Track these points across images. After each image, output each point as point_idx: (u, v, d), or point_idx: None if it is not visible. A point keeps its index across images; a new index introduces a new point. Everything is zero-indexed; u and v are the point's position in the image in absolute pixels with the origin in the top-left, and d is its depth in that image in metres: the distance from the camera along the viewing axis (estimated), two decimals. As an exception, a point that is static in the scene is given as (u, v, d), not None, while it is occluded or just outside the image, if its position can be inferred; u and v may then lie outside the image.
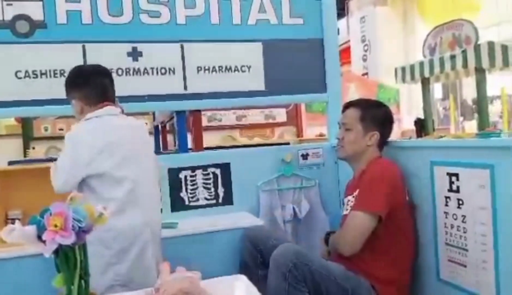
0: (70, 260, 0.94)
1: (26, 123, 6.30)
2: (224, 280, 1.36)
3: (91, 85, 1.76)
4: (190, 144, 3.24)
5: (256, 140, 7.29)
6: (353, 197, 1.89)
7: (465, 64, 4.60)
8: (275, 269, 1.68)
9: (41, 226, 0.93)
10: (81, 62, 2.22)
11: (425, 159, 1.88)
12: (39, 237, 0.94)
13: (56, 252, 0.94)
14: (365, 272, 1.80)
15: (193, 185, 2.42)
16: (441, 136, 2.81)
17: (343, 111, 2.09)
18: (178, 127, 2.83)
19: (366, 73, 8.69)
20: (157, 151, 5.44)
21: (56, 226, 0.91)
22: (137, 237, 1.68)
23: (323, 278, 1.71)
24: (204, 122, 6.86)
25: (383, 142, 2.01)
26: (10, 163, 3.26)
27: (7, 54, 2.15)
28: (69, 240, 0.91)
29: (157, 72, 2.36)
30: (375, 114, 1.99)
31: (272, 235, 2.08)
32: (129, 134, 1.78)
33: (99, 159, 1.65)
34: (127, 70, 2.31)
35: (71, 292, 0.95)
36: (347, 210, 1.92)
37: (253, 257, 2.02)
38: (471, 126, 6.91)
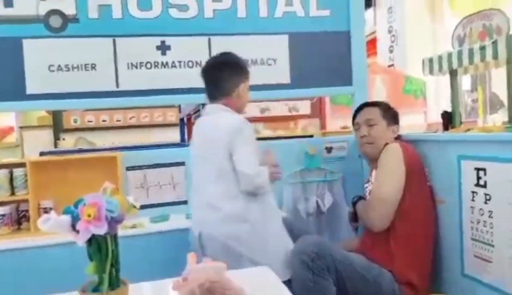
0: (103, 249, 0.97)
1: (56, 115, 6.46)
2: (248, 271, 1.39)
3: (205, 80, 1.92)
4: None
5: (280, 132, 7.28)
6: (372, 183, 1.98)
7: (495, 56, 4.48)
8: (297, 260, 1.70)
9: (75, 215, 0.96)
10: (111, 56, 2.29)
11: (452, 153, 1.87)
12: (73, 226, 0.97)
13: (89, 241, 0.97)
14: (386, 262, 1.82)
15: (218, 176, 2.45)
16: (469, 130, 2.75)
17: (357, 112, 2.17)
18: (204, 119, 2.88)
19: (393, 65, 8.54)
20: (182, 143, 5.52)
21: (89, 215, 0.94)
22: (192, 237, 1.83)
23: (346, 268, 1.73)
24: (229, 114, 6.89)
25: (397, 137, 2.11)
26: (42, 154, 3.37)
27: (41, 48, 2.21)
28: (101, 229, 0.93)
29: (185, 66, 2.40)
30: (391, 111, 2.12)
31: (295, 226, 2.10)
32: (203, 133, 1.88)
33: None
34: (156, 63, 2.36)
35: (103, 280, 0.98)
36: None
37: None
38: (493, 119, 6.72)
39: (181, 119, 5.67)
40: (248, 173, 1.71)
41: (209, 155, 1.80)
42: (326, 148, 2.56)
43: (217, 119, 1.85)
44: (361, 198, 2.10)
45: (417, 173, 1.89)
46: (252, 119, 7.33)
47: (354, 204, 2.10)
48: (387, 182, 1.87)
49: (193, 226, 1.86)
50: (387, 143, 1.97)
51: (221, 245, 1.73)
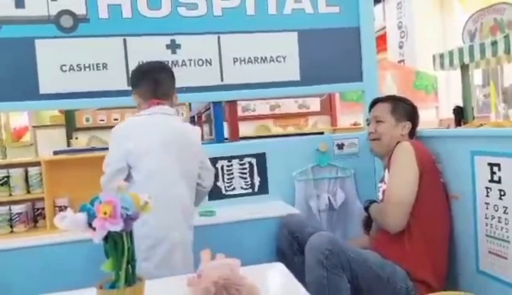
0: (119, 246, 0.98)
1: (68, 114, 6.50)
2: (262, 267, 1.39)
3: (145, 81, 1.82)
4: (226, 134, 3.29)
5: (290, 130, 7.27)
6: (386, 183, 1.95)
7: (507, 50, 4.42)
8: (311, 258, 1.70)
9: (91, 213, 0.98)
10: (122, 55, 2.31)
11: (465, 149, 1.85)
12: (89, 224, 0.98)
13: (105, 238, 0.98)
14: (400, 260, 1.80)
15: (229, 174, 2.46)
16: (481, 125, 2.72)
17: (371, 107, 2.16)
18: (215, 117, 2.89)
19: (403, 61, 8.47)
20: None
21: (105, 213, 0.95)
22: (164, 238, 1.68)
23: (360, 266, 1.72)
24: (238, 112, 6.90)
25: (413, 133, 2.08)
26: (56, 153, 3.39)
27: (53, 48, 2.24)
28: (117, 226, 0.94)
29: (195, 64, 2.41)
30: (404, 107, 2.09)
31: (308, 223, 2.11)
32: (177, 136, 1.78)
33: (136, 154, 1.68)
34: (166, 62, 2.36)
35: (119, 276, 0.99)
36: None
37: (289, 244, 2.05)
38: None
39: (192, 117, 5.69)
40: (212, 169, 1.97)
41: (182, 159, 1.76)
42: (337, 145, 2.56)
43: (183, 126, 1.87)
44: (372, 201, 2.07)
45: (429, 171, 1.87)
46: (262, 117, 7.37)
47: (366, 208, 2.07)
48: (400, 185, 1.84)
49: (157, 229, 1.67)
50: (398, 142, 1.95)
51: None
